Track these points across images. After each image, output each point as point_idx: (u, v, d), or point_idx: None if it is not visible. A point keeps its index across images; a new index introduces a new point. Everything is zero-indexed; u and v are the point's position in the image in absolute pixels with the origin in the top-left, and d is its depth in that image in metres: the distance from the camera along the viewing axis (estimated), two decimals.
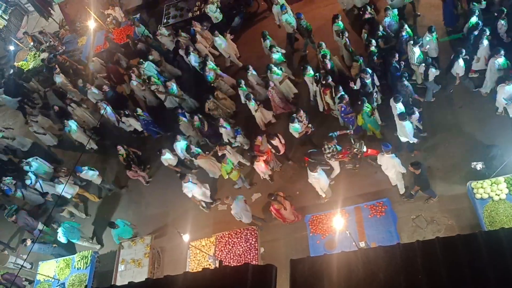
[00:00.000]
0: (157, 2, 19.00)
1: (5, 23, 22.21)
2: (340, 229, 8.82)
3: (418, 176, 9.12)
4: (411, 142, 10.03)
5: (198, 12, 16.58)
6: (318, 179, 10.04)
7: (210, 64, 13.45)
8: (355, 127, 11.02)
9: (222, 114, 12.85)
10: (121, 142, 13.21)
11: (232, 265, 9.58)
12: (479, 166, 9.42)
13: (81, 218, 13.47)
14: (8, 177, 13.64)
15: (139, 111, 13.58)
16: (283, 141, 11.11)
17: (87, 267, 11.62)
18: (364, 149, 10.31)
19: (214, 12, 15.19)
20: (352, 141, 10.30)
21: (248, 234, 10.48)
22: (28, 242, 11.94)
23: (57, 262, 12.03)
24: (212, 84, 13.18)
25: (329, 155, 10.28)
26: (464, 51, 10.23)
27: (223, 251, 10.48)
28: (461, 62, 10.26)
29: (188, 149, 11.67)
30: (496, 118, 10.40)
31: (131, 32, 17.41)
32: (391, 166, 9.56)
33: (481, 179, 9.11)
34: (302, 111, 10.91)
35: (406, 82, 10.51)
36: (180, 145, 11.87)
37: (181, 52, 14.33)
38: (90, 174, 13.04)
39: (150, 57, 14.97)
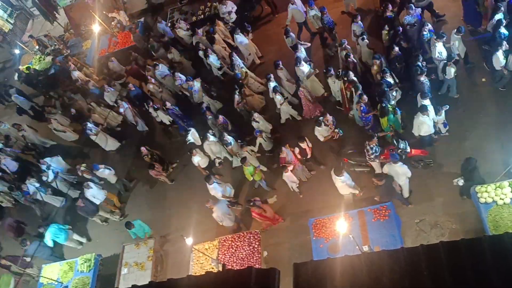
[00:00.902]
0: (161, 6, 19.10)
1: (10, 26, 22.40)
2: (344, 233, 8.79)
3: None
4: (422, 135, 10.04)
5: (202, 16, 16.65)
6: (345, 182, 9.91)
7: (237, 60, 13.43)
8: (370, 126, 10.99)
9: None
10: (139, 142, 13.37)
11: (235, 269, 9.57)
12: (460, 181, 9.45)
13: (115, 222, 13.28)
14: (33, 179, 13.67)
15: (168, 104, 13.43)
16: (310, 145, 11.04)
17: (90, 270, 11.64)
18: (408, 149, 10.11)
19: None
20: (395, 141, 10.10)
21: (251, 237, 10.46)
22: (28, 243, 12.02)
23: (61, 265, 12.05)
24: (242, 81, 13.04)
25: (372, 156, 10.03)
26: (504, 43, 9.97)
27: (226, 254, 10.47)
28: (500, 55, 10.02)
29: (222, 136, 11.76)
30: None
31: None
32: (401, 174, 9.53)
33: (487, 183, 9.06)
34: (329, 115, 10.83)
35: (422, 78, 10.41)
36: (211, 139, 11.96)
37: (200, 54, 14.31)
38: (107, 173, 13.12)
39: (169, 56, 15.03)
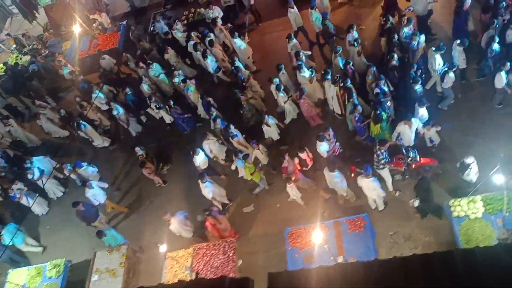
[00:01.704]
0: (144, 10, 18.99)
1: None
2: (319, 243, 8.80)
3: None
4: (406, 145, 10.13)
5: (185, 22, 16.59)
6: (337, 179, 9.88)
7: (238, 63, 13.37)
8: (366, 136, 11.08)
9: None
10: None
11: (208, 278, 9.45)
12: (416, 202, 9.64)
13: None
14: (20, 182, 13.32)
15: (172, 102, 13.27)
16: (311, 155, 10.96)
17: (59, 276, 11.31)
18: (418, 158, 9.99)
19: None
20: (404, 150, 9.96)
21: (227, 246, 10.37)
22: None
23: (28, 270, 11.68)
24: (244, 84, 12.92)
25: (381, 163, 9.85)
26: (508, 64, 10.02)
27: (201, 262, 10.32)
28: (503, 74, 10.14)
29: (227, 128, 11.63)
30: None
31: (116, 38, 17.34)
32: (371, 189, 9.65)
33: (460, 196, 9.23)
34: (331, 130, 10.73)
35: (417, 86, 10.58)
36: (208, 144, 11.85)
37: (198, 54, 14.23)
38: (90, 171, 12.82)
39: (166, 56, 14.87)
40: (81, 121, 13.90)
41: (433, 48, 10.97)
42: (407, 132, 10.04)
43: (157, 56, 15.37)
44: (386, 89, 10.91)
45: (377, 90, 10.76)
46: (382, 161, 9.81)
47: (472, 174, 9.14)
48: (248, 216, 11.54)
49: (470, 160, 8.97)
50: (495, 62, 10.66)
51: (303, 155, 10.70)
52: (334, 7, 14.83)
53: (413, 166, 10.03)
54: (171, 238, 10.78)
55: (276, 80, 11.97)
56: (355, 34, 12.19)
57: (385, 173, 10.13)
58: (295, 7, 13.63)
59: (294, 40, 13.01)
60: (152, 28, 16.90)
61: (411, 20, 11.78)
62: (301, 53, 12.49)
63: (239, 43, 14.02)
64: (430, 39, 12.54)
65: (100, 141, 14.53)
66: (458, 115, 11.20)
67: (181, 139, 13.89)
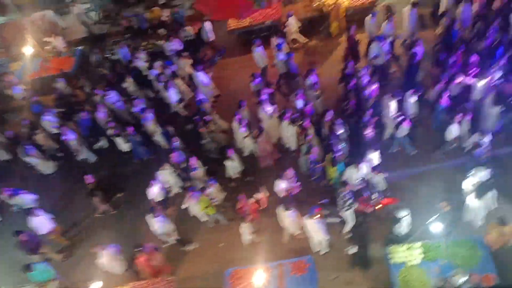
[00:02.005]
0: (103, 37, 18.76)
1: None
2: (261, 285, 8.61)
3: None
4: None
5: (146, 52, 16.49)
6: (292, 218, 9.83)
7: (201, 96, 13.32)
8: (318, 176, 11.17)
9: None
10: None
11: None
12: (352, 250, 9.88)
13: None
14: None
15: (130, 130, 12.93)
16: (267, 194, 10.88)
17: None
18: (382, 199, 10.20)
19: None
20: (368, 192, 10.12)
21: (167, 285, 9.92)
22: None
23: None
24: (205, 118, 12.73)
25: (346, 205, 9.92)
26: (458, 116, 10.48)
27: None
28: (455, 126, 10.55)
29: (187, 160, 11.48)
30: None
31: (70, 62, 16.98)
32: (315, 231, 9.67)
33: (400, 243, 9.38)
34: (291, 170, 10.74)
35: (369, 131, 10.86)
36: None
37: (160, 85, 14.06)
38: (28, 199, 12.06)
39: (125, 84, 14.58)
40: (27, 145, 13.26)
41: (388, 96, 11.42)
42: (354, 176, 10.21)
43: (115, 83, 15.05)
44: (342, 132, 11.19)
45: (334, 133, 11.03)
46: (348, 203, 9.96)
47: (403, 227, 9.37)
48: (189, 254, 11.22)
49: (402, 214, 9.22)
50: (446, 114, 11.19)
51: (260, 196, 10.68)
52: (297, 49, 15.27)
53: (377, 207, 10.25)
54: (107, 274, 10.23)
55: (237, 116, 12.04)
56: (314, 78, 12.53)
57: (350, 215, 10.26)
58: (261, 47, 13.92)
59: (258, 79, 13.19)
60: (110, 54, 16.69)
61: (368, 68, 12.28)
62: (263, 91, 12.69)
63: (202, 77, 14.03)
64: (386, 87, 13.04)
65: (45, 167, 13.84)
66: (406, 161, 11.56)
67: (137, 168, 13.50)
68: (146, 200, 11.47)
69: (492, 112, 10.80)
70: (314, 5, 15.55)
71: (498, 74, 10.97)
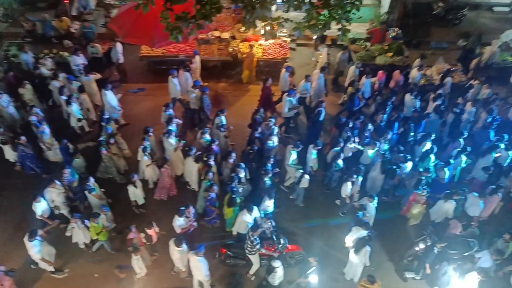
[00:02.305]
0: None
1: None
2: None
3: None
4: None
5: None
6: (182, 255, 9.51)
7: (109, 115, 12.62)
8: (213, 217, 11.10)
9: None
10: None
11: None
12: None
13: None
14: None
15: (23, 139, 11.66)
16: (157, 229, 10.38)
17: None
18: (287, 245, 10.32)
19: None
20: (275, 237, 10.21)
21: None
22: None
23: None
24: (111, 139, 12.03)
25: (254, 248, 9.92)
26: (355, 176, 11.21)
27: None
28: (349, 185, 11.13)
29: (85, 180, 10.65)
30: None
31: None
32: (197, 268, 9.52)
33: None
34: (192, 208, 10.43)
35: (267, 179, 11.06)
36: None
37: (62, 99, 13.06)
38: None
39: (21, 90, 13.28)
40: None
41: (291, 146, 11.92)
42: (246, 221, 10.31)
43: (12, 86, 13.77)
44: (243, 175, 11.33)
45: (235, 175, 11.13)
46: (256, 247, 9.99)
47: (276, 278, 9.62)
48: (58, 283, 10.32)
49: (276, 264, 9.47)
50: (340, 173, 12.01)
51: (150, 231, 10.27)
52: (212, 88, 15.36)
53: (283, 252, 10.39)
54: None
55: (144, 144, 11.64)
56: (223, 119, 12.70)
57: (255, 258, 10.27)
58: (176, 78, 13.79)
59: (171, 110, 12.98)
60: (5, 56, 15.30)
61: (274, 119, 12.72)
62: (174, 120, 12.52)
63: (110, 97, 13.42)
64: (288, 139, 13.79)
65: None
66: (300, 214, 12.04)
67: (25, 181, 12.31)
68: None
69: (377, 178, 11.81)
70: (229, 50, 15.97)
71: (386, 146, 12.14)
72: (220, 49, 16.13)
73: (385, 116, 13.18)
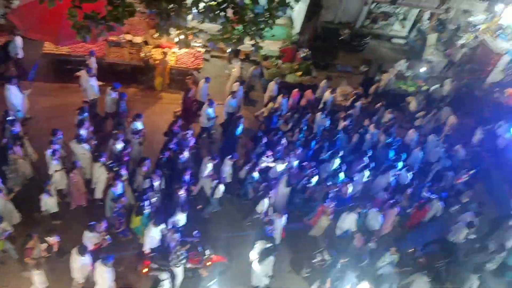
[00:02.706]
0: None
1: None
2: None
3: None
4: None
5: None
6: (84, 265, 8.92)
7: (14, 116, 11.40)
8: (122, 229, 10.59)
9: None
10: None
11: None
12: None
13: None
14: None
15: None
16: (58, 239, 9.54)
17: None
18: (212, 256, 10.16)
19: None
20: (199, 247, 10.06)
21: None
22: None
23: None
24: (18, 140, 10.91)
25: (180, 262, 9.67)
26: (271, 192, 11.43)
27: None
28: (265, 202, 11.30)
29: None
30: None
31: None
32: (104, 279, 9.06)
33: None
34: (105, 222, 9.76)
35: (181, 192, 10.79)
36: None
37: None
38: None
39: None
40: None
41: (208, 158, 11.82)
42: (154, 235, 10.02)
43: None
44: (157, 184, 10.99)
45: (147, 183, 10.80)
46: (182, 261, 9.80)
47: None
48: None
49: (163, 276, 9.37)
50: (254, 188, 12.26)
51: (52, 240, 9.51)
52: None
53: (208, 264, 10.26)
54: None
55: (52, 148, 10.74)
56: (139, 125, 12.27)
57: (180, 271, 10.01)
58: (94, 77, 13.01)
59: (86, 112, 12.17)
60: None
61: (192, 131, 12.60)
62: (85, 125, 11.77)
63: (14, 92, 12.15)
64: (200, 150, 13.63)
65: None
66: (211, 226, 11.97)
67: None
68: None
69: (284, 192, 12.21)
70: (141, 55, 15.56)
71: (294, 161, 12.62)
72: (131, 53, 15.58)
73: (301, 134, 13.71)
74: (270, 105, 14.69)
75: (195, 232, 10.34)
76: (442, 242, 12.34)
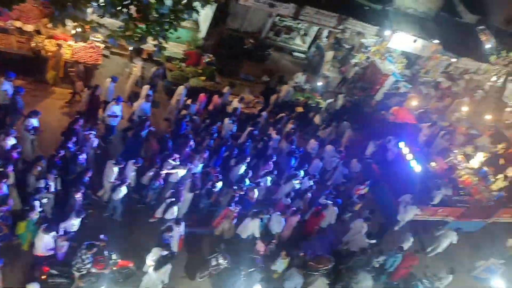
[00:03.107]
0: None
1: None
2: None
3: None
4: None
5: None
6: None
7: None
8: (3, 233, 9.36)
9: None
10: None
11: None
12: None
13: None
14: None
15: None
16: None
17: None
18: (118, 260, 9.89)
19: None
20: (105, 252, 9.63)
21: None
22: None
23: None
24: None
25: (85, 267, 9.27)
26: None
27: None
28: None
29: None
30: None
31: None
32: None
33: None
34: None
35: (78, 195, 10.22)
36: None
37: None
38: None
39: None
40: None
41: (113, 162, 11.28)
42: (46, 240, 9.31)
43: None
44: (52, 184, 10.15)
45: (41, 184, 9.95)
46: (87, 266, 9.28)
47: None
48: None
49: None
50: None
51: None
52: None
53: (114, 268, 9.82)
54: None
55: None
56: (35, 121, 11.21)
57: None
58: None
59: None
60: None
61: (95, 131, 11.97)
62: None
63: None
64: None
65: None
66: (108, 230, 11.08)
67: None
68: None
69: (187, 198, 12.00)
70: (31, 44, 14.07)
71: (199, 166, 12.51)
72: (20, 41, 14.12)
73: (211, 141, 13.55)
74: (184, 112, 14.22)
75: (101, 235, 9.80)
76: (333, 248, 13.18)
